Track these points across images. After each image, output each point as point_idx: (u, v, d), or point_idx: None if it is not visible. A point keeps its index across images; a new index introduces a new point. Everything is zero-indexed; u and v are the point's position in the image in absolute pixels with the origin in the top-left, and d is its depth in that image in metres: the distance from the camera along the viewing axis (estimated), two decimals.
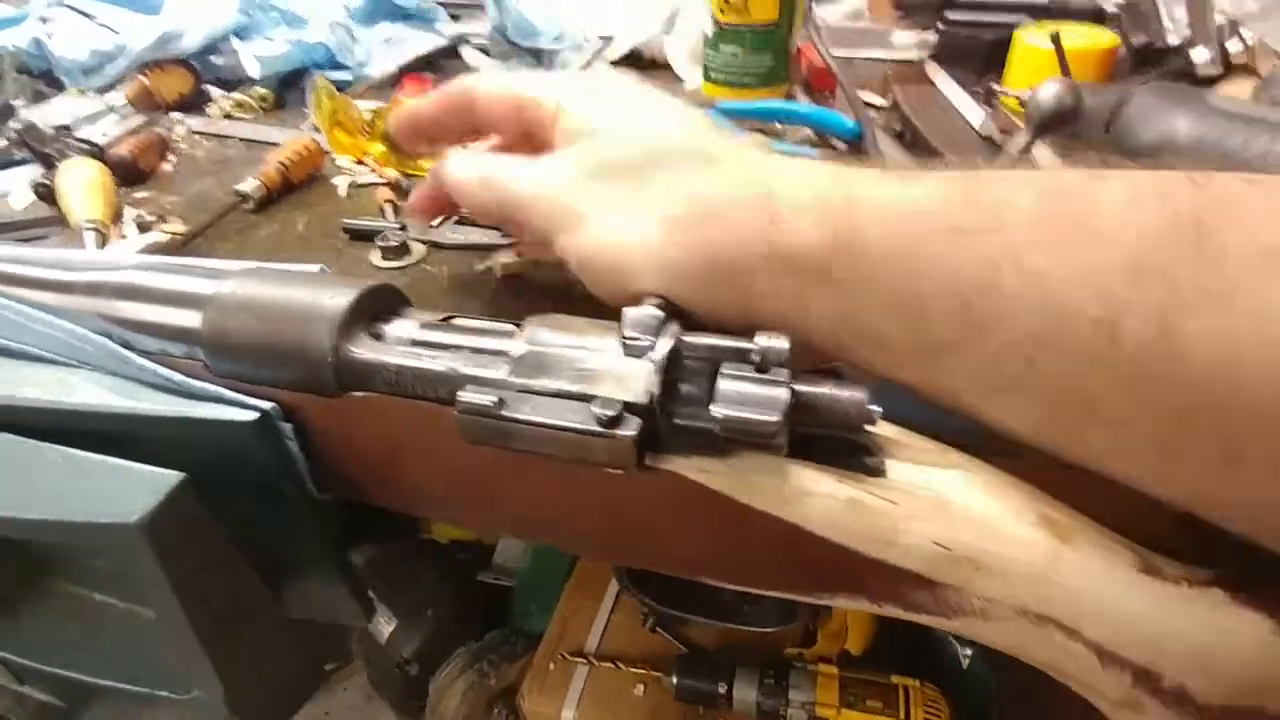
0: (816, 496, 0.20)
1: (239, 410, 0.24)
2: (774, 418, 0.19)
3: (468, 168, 0.30)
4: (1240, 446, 0.18)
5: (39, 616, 0.31)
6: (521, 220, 0.28)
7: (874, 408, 0.20)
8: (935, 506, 0.21)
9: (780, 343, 0.20)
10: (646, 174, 0.25)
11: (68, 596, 0.31)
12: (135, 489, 0.22)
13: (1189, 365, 0.18)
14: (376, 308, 0.25)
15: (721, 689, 0.72)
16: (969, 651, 0.75)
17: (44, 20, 0.74)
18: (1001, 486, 0.22)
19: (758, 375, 0.20)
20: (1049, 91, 0.37)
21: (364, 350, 0.23)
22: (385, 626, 0.93)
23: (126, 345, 0.26)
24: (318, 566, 0.29)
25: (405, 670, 0.92)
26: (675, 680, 0.75)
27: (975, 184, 0.21)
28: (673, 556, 0.23)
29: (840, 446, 0.21)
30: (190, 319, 0.25)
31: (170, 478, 0.22)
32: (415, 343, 0.24)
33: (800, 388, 0.20)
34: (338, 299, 0.24)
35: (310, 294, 0.24)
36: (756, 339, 0.20)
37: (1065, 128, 0.40)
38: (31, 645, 0.30)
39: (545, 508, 0.24)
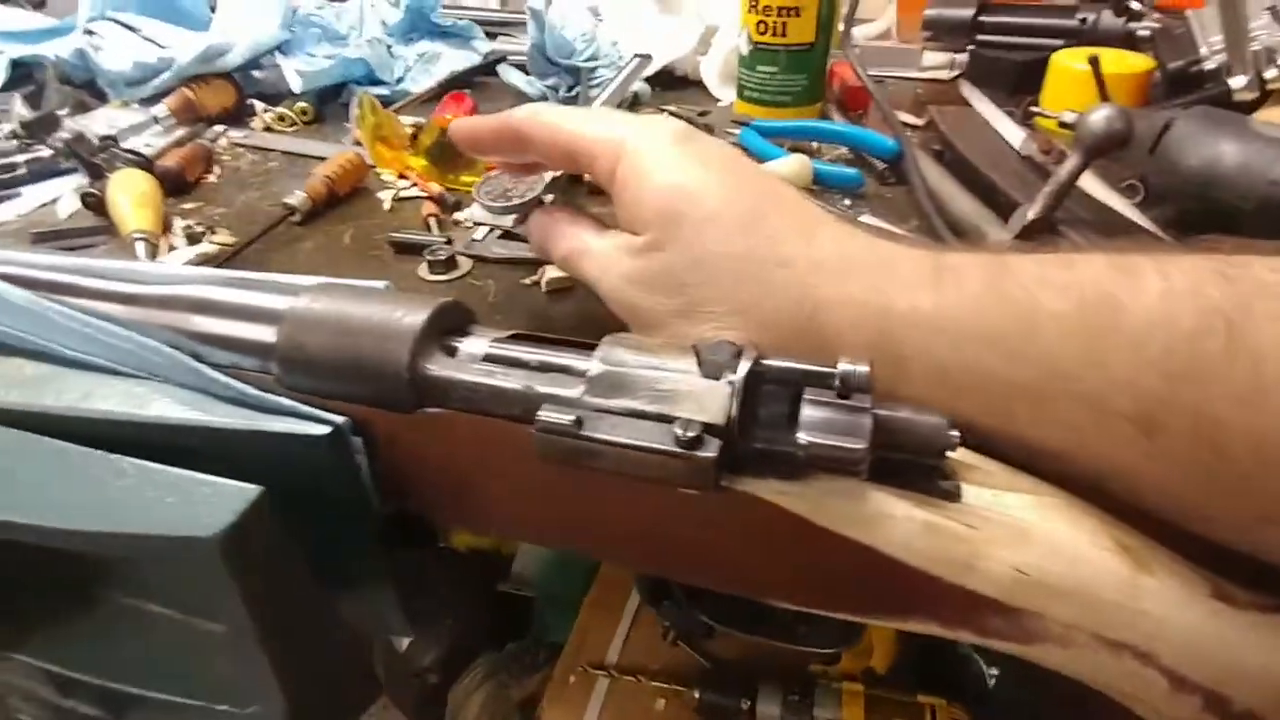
0: (895, 520, 0.21)
1: (311, 424, 0.24)
2: (860, 445, 0.19)
3: (561, 238, 0.32)
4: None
5: (91, 628, 0.31)
6: None
7: (953, 433, 0.21)
8: (1015, 532, 0.21)
9: (861, 367, 0.20)
10: (698, 290, 0.26)
11: (122, 608, 0.31)
12: (213, 502, 0.22)
13: (1228, 462, 0.19)
14: (448, 325, 0.25)
15: (744, 705, 0.72)
16: (995, 671, 0.74)
17: (89, 33, 0.75)
18: (1077, 512, 0.22)
19: (840, 401, 0.20)
20: (1100, 116, 0.37)
21: (439, 367, 0.24)
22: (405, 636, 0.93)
23: (196, 358, 0.26)
24: (371, 578, 0.29)
25: (424, 679, 0.92)
26: (697, 695, 0.74)
27: (1010, 285, 0.22)
28: (746, 578, 0.23)
29: (914, 470, 0.21)
30: (265, 333, 0.25)
31: (249, 492, 0.22)
32: (488, 359, 0.24)
33: (881, 413, 0.20)
34: (412, 316, 0.24)
35: (384, 310, 0.24)
36: (839, 364, 0.20)
37: (1115, 152, 0.40)
38: (82, 657, 0.30)
39: (618, 527, 0.24)
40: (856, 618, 0.23)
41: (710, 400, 0.21)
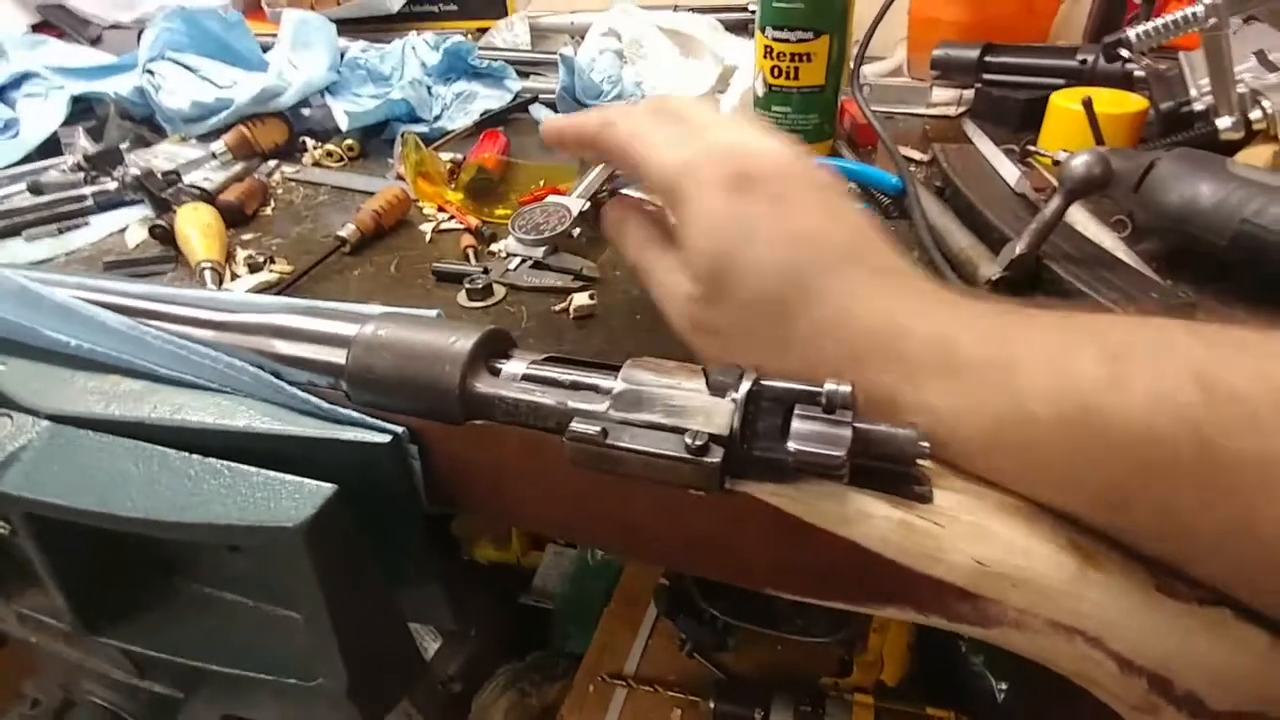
0: (874, 519, 0.24)
1: (375, 433, 0.29)
2: (839, 453, 0.23)
3: (631, 245, 0.36)
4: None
5: (170, 614, 0.35)
6: None
7: (924, 443, 0.24)
8: (977, 529, 0.24)
9: (844, 387, 0.24)
10: (739, 353, 0.27)
11: (199, 596, 0.36)
12: (296, 498, 0.27)
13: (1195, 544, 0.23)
14: (492, 348, 0.29)
15: (758, 716, 0.74)
16: (1004, 685, 0.76)
17: (149, 72, 0.81)
18: (1034, 515, 0.25)
19: (825, 416, 0.24)
20: (1080, 161, 0.40)
21: (485, 385, 0.28)
22: (430, 644, 0.96)
23: (277, 376, 0.31)
24: (422, 574, 0.33)
25: (448, 688, 0.95)
26: (713, 705, 0.77)
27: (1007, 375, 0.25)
28: (746, 570, 0.27)
29: (894, 476, 0.25)
30: (337, 355, 0.29)
31: (325, 489, 0.27)
32: (527, 378, 0.28)
33: (861, 426, 0.24)
34: (462, 341, 0.28)
35: (439, 336, 0.28)
36: (826, 384, 0.24)
37: (1094, 194, 0.43)
38: (164, 639, 0.35)
39: (635, 525, 0.27)
40: (845, 606, 0.27)
41: (716, 414, 0.24)
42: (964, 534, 0.24)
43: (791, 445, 0.23)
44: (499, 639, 0.98)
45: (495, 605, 1.00)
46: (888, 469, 0.25)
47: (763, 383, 0.25)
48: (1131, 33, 0.56)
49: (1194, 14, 0.54)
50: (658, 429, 0.25)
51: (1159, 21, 0.54)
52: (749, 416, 0.25)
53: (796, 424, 0.24)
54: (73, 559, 0.32)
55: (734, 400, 0.24)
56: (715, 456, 0.24)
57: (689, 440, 0.24)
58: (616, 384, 0.26)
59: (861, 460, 0.24)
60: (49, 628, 0.35)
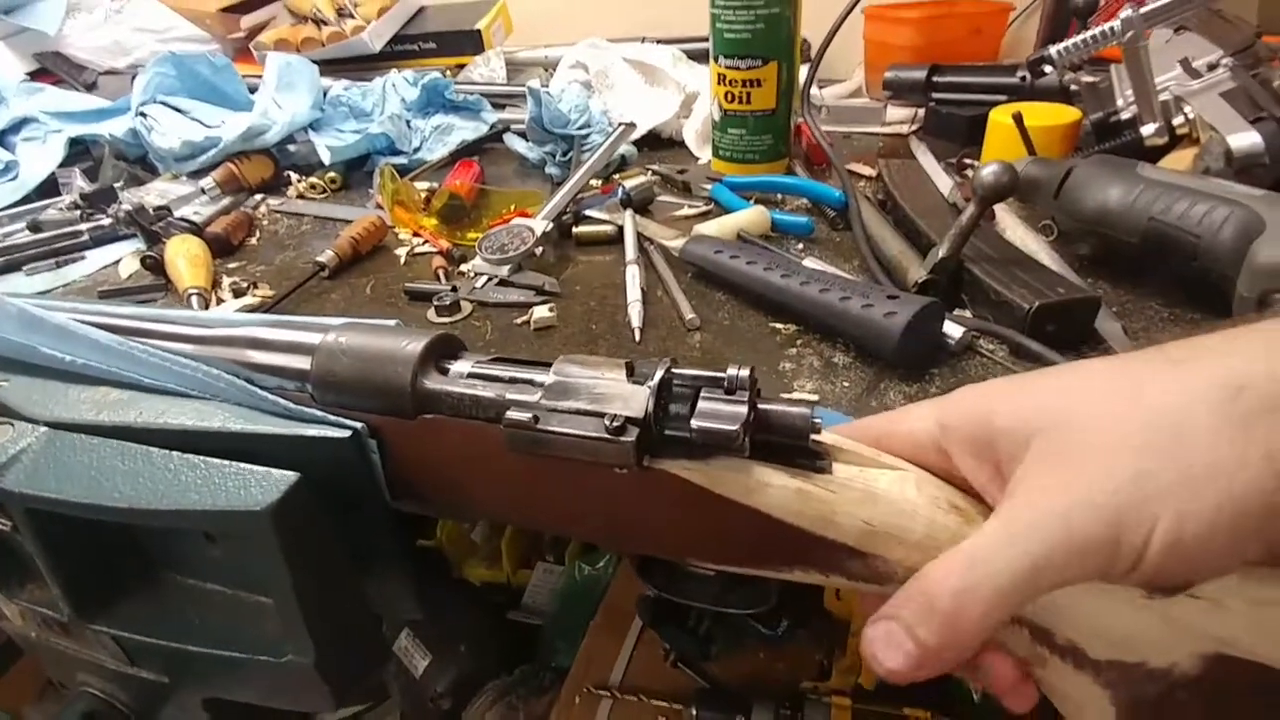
0: (773, 487, 0.27)
1: (337, 429, 0.32)
2: (734, 427, 0.26)
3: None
4: None
5: (157, 603, 0.38)
6: None
7: (816, 419, 0.27)
8: (866, 495, 0.27)
9: (743, 372, 0.27)
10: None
11: (182, 587, 0.38)
12: (262, 485, 0.30)
13: None
14: (442, 351, 0.32)
15: None
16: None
17: (142, 114, 0.86)
18: (924, 482, 0.28)
19: (725, 397, 0.27)
20: (988, 171, 0.44)
21: (433, 382, 0.31)
22: (420, 661, 0.98)
23: (250, 382, 0.34)
24: (387, 564, 0.36)
25: (438, 704, 0.97)
26: (695, 713, 0.79)
27: None
28: (665, 540, 0.30)
29: (795, 451, 0.28)
30: (302, 362, 0.32)
31: (290, 476, 0.30)
32: (471, 376, 0.31)
33: (763, 406, 0.27)
34: (414, 344, 0.31)
35: (393, 341, 0.32)
36: (728, 369, 0.27)
37: (1003, 200, 0.47)
38: (151, 625, 0.37)
39: (568, 504, 0.30)
40: (756, 571, 0.29)
41: (633, 399, 0.27)
42: (854, 499, 0.27)
43: (694, 423, 0.26)
44: (488, 655, 0.99)
45: (484, 622, 1.02)
46: (790, 444, 0.28)
47: (674, 370, 0.28)
48: (1054, 49, 0.60)
49: (1112, 29, 0.58)
50: (583, 414, 0.28)
51: (1078, 38, 0.59)
52: (662, 400, 0.28)
53: (701, 404, 0.27)
54: (67, 552, 0.35)
55: (649, 386, 0.28)
56: (631, 436, 0.27)
57: (608, 422, 0.27)
58: (548, 377, 0.29)
59: (765, 436, 0.27)
60: (48, 620, 0.37)
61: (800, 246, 0.58)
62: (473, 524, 1.05)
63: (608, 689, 0.86)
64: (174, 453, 0.32)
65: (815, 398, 0.41)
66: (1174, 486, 0.22)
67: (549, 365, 0.30)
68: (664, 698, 0.84)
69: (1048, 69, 0.61)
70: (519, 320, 0.50)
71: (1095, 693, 0.27)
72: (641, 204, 0.65)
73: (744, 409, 0.26)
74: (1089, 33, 0.58)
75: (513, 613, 1.04)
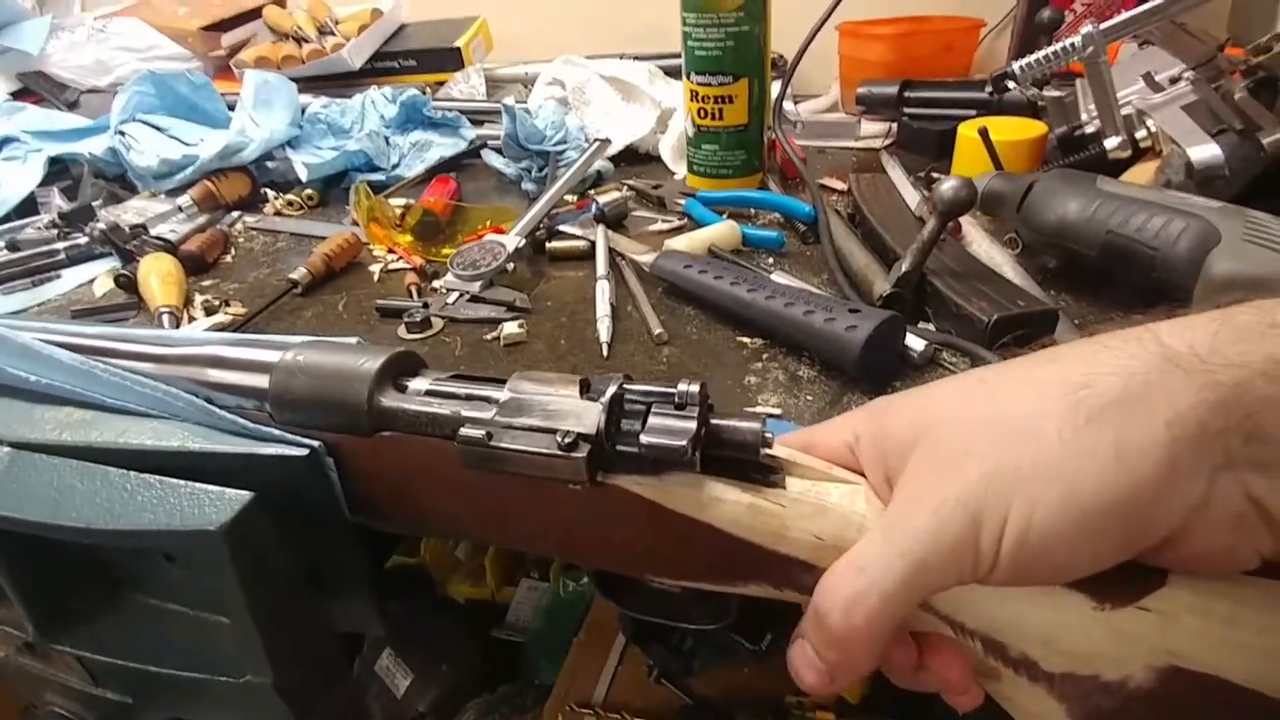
0: (725, 502, 0.27)
1: (294, 448, 0.32)
2: (682, 443, 0.26)
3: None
4: None
5: (120, 623, 0.38)
6: None
7: (768, 434, 0.27)
8: (816, 508, 0.27)
9: (693, 387, 0.27)
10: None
11: (145, 607, 0.38)
12: (216, 505, 0.30)
13: None
14: (401, 368, 0.32)
15: None
16: None
17: (120, 133, 0.86)
18: (873, 496, 0.28)
19: (676, 412, 0.27)
20: (947, 186, 0.45)
21: (390, 400, 0.31)
22: (402, 681, 0.97)
23: (209, 402, 0.34)
24: (349, 582, 0.36)
25: None
26: None
27: None
28: (621, 555, 0.30)
29: (747, 466, 0.28)
30: (260, 380, 0.32)
31: (243, 496, 0.30)
32: (429, 393, 0.31)
33: (714, 421, 0.27)
34: (371, 363, 0.31)
35: (351, 359, 0.32)
36: (679, 385, 0.27)
37: (963, 214, 0.47)
38: (114, 646, 0.37)
39: (525, 520, 0.30)
40: (713, 587, 0.29)
41: (586, 416, 0.28)
42: (804, 513, 0.27)
43: (643, 439, 0.26)
44: (471, 674, 0.98)
45: (467, 640, 1.01)
46: (742, 459, 0.28)
47: (626, 387, 0.28)
48: (1016, 65, 0.61)
49: (1073, 44, 0.59)
50: (536, 431, 0.28)
51: (1040, 54, 0.60)
52: (614, 416, 0.28)
53: (651, 420, 0.27)
54: (31, 572, 0.34)
55: (601, 403, 0.28)
56: (582, 452, 0.27)
57: (560, 439, 0.27)
58: (504, 394, 0.29)
59: (716, 451, 0.28)
60: (12, 639, 0.37)
61: (771, 261, 0.58)
62: (455, 542, 1.05)
63: (591, 707, 0.86)
64: (131, 472, 0.32)
65: (779, 411, 0.42)
66: (1023, 480, 0.22)
67: (504, 382, 0.30)
68: (648, 715, 0.84)
69: (1011, 85, 0.62)
70: (489, 336, 0.50)
71: (1051, 706, 0.27)
72: (616, 219, 0.65)
73: (693, 424, 0.26)
74: (1050, 49, 0.59)
75: (496, 630, 1.04)
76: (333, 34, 1.03)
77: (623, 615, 0.89)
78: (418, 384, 0.32)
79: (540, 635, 1.01)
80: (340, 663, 0.36)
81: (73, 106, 1.09)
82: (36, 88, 1.08)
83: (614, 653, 0.92)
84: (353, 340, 0.35)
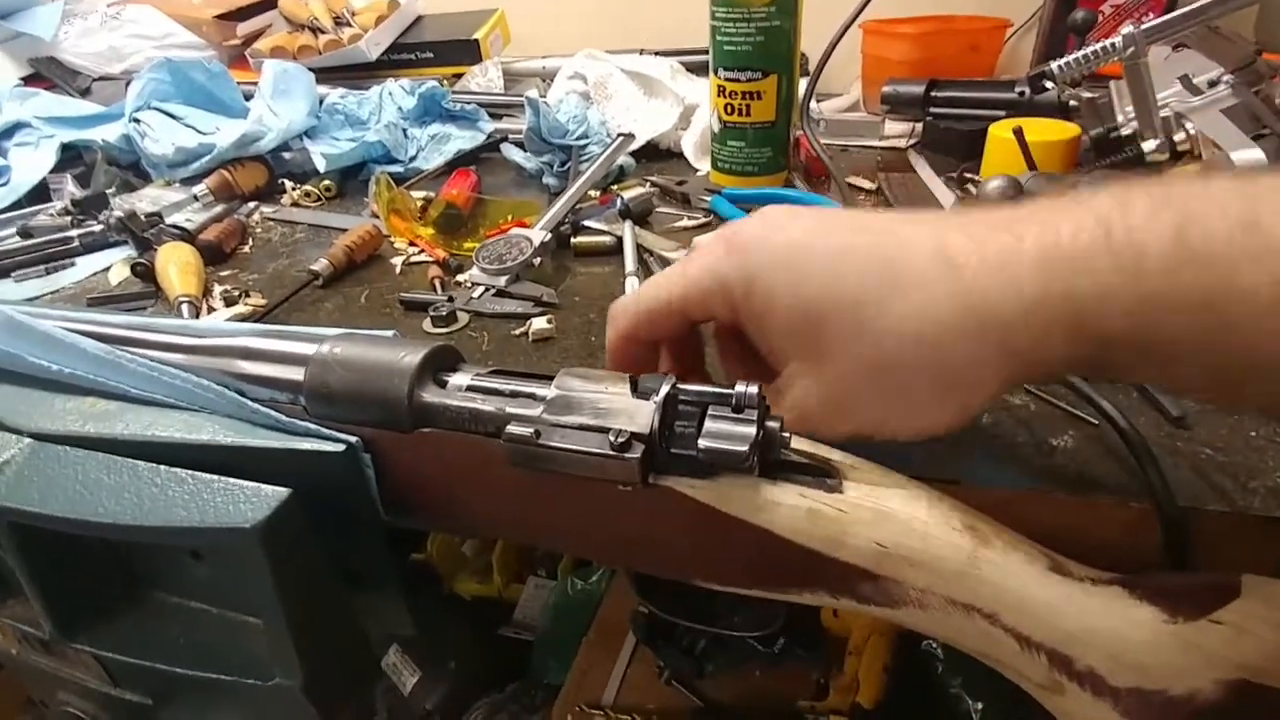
0: (783, 507, 0.26)
1: (331, 443, 0.31)
2: (743, 448, 0.25)
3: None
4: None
5: (141, 622, 0.37)
6: None
7: (785, 434, 0.26)
8: (878, 514, 0.26)
9: (751, 389, 0.26)
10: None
11: (167, 605, 0.37)
12: (254, 502, 0.28)
13: None
14: (440, 363, 0.31)
15: None
16: (980, 705, 0.77)
17: (135, 120, 0.85)
18: (935, 501, 0.27)
19: (734, 415, 0.26)
20: (994, 185, 0.44)
21: (431, 395, 0.30)
22: (409, 678, 0.96)
23: (241, 394, 0.33)
24: (379, 580, 0.35)
25: None
26: None
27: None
28: (670, 559, 0.29)
29: (806, 469, 0.27)
30: (296, 374, 0.31)
31: (280, 493, 0.29)
32: (470, 389, 0.30)
33: (769, 425, 0.26)
34: (411, 356, 0.30)
35: (390, 353, 0.31)
36: (736, 387, 0.26)
37: None
38: (134, 645, 0.36)
39: (569, 520, 0.29)
40: (766, 593, 0.28)
41: (638, 415, 0.27)
42: (865, 519, 0.26)
43: (701, 443, 0.25)
44: (478, 672, 0.98)
45: (474, 638, 1.00)
46: (800, 462, 0.27)
47: (680, 386, 0.27)
48: (1054, 65, 0.60)
49: (1113, 45, 0.58)
50: (586, 429, 0.27)
51: (1079, 53, 0.58)
52: (667, 417, 0.27)
53: (708, 423, 0.26)
54: (50, 568, 0.33)
55: (655, 402, 0.27)
56: (636, 452, 0.26)
57: (613, 438, 0.26)
58: (550, 391, 0.28)
59: (773, 455, 0.27)
60: (29, 637, 0.36)
61: None
62: (463, 539, 1.04)
63: (600, 708, 0.85)
64: (161, 467, 0.31)
65: None
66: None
67: (550, 379, 0.29)
68: (659, 717, 0.83)
69: (1048, 84, 0.61)
70: (516, 331, 0.49)
71: None
72: (640, 215, 0.64)
73: (753, 429, 0.25)
74: (1090, 48, 0.58)
75: (504, 628, 1.03)
76: (349, 25, 1.02)
77: (634, 615, 0.88)
78: (458, 379, 0.31)
79: (548, 634, 1.00)
80: (369, 665, 0.35)
81: (85, 94, 1.07)
82: (48, 74, 1.07)
83: (624, 653, 0.91)
84: (390, 333, 0.34)
